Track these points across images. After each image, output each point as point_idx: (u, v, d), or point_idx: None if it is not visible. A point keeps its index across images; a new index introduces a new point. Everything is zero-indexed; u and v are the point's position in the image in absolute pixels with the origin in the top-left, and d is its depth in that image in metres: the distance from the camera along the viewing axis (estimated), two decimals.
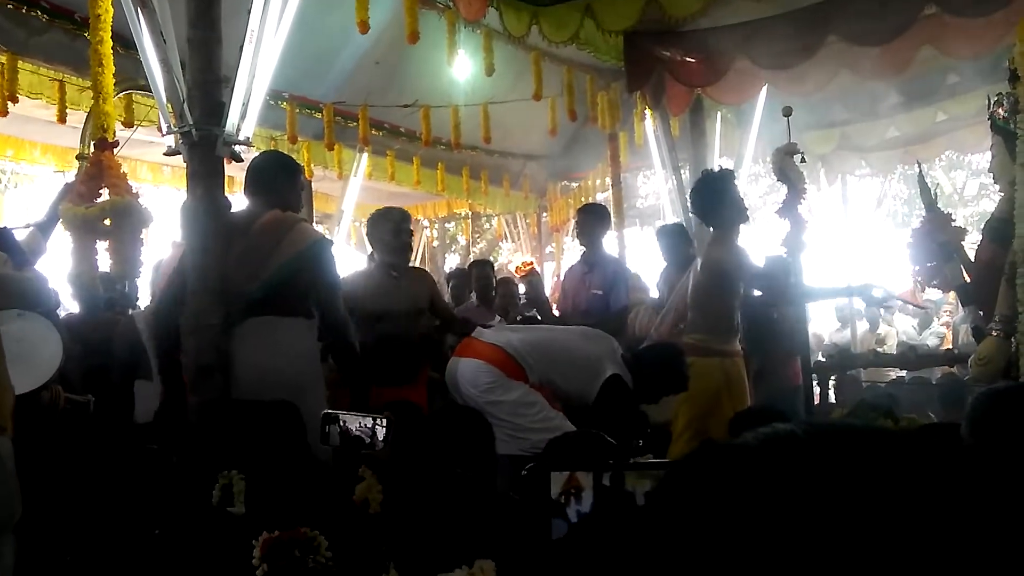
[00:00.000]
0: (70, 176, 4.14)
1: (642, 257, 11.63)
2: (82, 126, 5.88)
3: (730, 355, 4.64)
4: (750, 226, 4.81)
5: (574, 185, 11.53)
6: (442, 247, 16.19)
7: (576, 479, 2.31)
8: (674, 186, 7.78)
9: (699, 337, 4.65)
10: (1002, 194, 4.02)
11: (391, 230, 4.71)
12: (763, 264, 5.06)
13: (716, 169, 5.36)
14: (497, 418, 3.71)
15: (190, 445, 3.23)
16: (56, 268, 4.53)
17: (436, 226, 14.48)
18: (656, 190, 11.89)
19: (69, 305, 4.74)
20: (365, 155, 8.83)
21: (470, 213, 13.31)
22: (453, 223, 15.69)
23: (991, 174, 4.25)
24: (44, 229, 4.27)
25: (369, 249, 4.96)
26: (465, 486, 2.00)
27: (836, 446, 0.55)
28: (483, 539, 1.82)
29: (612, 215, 7.82)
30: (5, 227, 3.90)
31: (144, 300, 4.90)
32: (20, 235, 3.98)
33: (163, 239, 4.49)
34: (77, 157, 5.94)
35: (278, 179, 3.82)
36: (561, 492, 2.30)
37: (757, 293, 5.47)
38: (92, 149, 4.54)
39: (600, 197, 10.40)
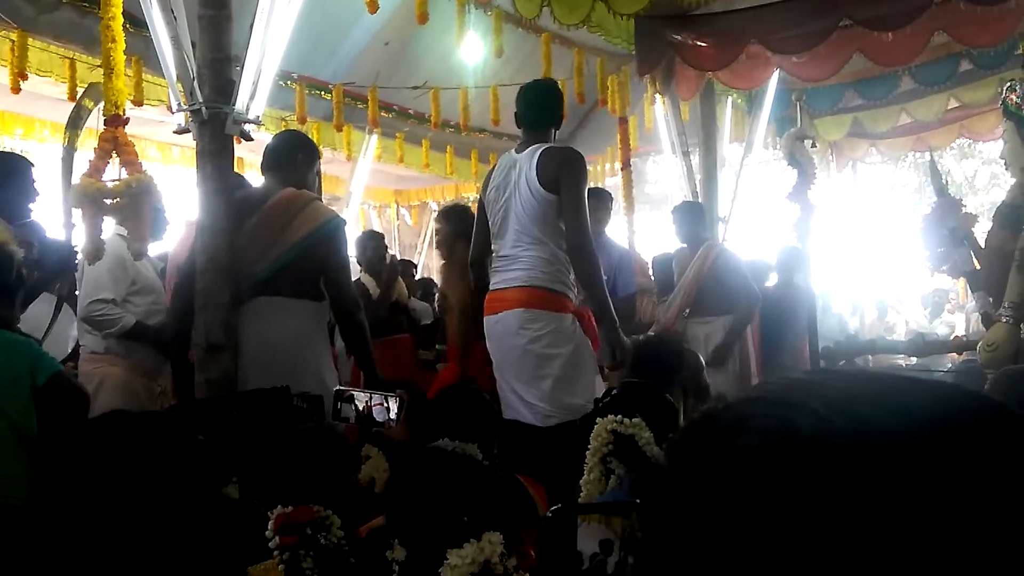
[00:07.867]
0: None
1: (651, 241, 11.64)
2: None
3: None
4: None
5: None
6: None
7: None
8: (684, 171, 7.76)
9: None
10: (1013, 180, 4.01)
11: None
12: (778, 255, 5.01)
13: None
14: (535, 375, 3.66)
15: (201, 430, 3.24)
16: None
17: None
18: (666, 175, 11.85)
19: None
20: (374, 137, 8.81)
21: (478, 197, 13.27)
22: None
23: (1003, 160, 4.23)
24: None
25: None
26: (473, 463, 2.01)
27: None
28: (489, 513, 1.83)
29: (622, 199, 7.83)
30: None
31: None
32: None
33: (174, 218, 4.47)
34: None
35: (294, 156, 3.80)
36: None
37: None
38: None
39: (610, 181, 10.35)
